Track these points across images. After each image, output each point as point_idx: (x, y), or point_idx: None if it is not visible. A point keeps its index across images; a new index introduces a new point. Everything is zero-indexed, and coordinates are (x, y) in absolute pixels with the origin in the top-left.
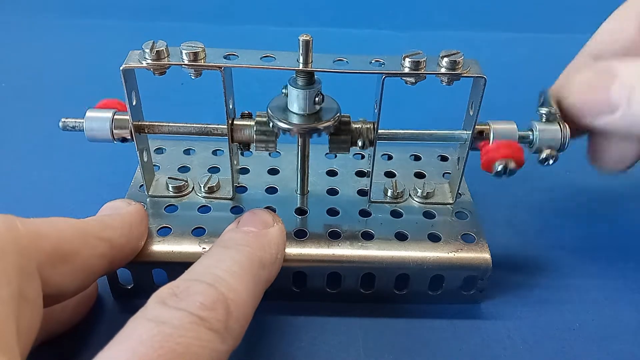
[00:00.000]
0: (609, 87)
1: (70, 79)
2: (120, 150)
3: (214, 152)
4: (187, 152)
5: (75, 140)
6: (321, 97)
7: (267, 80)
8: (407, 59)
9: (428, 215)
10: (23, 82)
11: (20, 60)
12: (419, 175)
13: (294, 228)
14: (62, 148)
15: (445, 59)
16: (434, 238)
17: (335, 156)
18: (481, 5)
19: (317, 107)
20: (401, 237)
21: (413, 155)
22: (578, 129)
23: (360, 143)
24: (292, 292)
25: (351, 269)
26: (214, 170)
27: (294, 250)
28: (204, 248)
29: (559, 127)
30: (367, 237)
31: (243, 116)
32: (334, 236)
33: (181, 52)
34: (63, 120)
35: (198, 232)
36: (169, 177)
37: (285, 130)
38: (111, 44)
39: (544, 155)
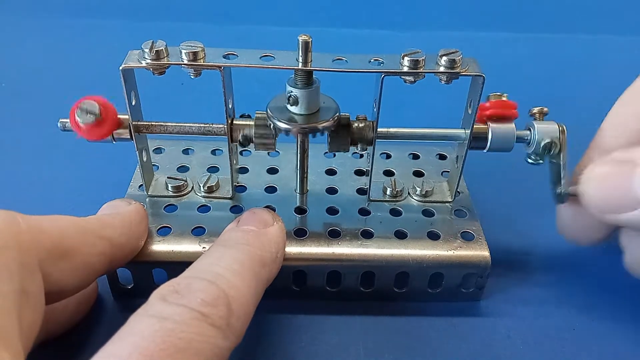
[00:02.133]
0: (630, 179)
1: (70, 79)
2: (120, 150)
3: (213, 152)
4: (185, 151)
5: (75, 140)
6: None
7: (267, 80)
8: (406, 58)
9: (427, 213)
10: (23, 82)
11: (20, 60)
12: (418, 174)
13: (293, 227)
14: (62, 148)
15: (444, 58)
16: (433, 236)
17: (334, 155)
18: (481, 5)
19: (290, 107)
20: (400, 235)
21: (412, 153)
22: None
23: (359, 148)
24: (292, 291)
25: (351, 268)
26: (213, 169)
27: (293, 249)
28: (204, 247)
29: (556, 126)
30: (367, 235)
31: (242, 116)
32: (334, 235)
33: (180, 52)
34: (62, 120)
35: (198, 232)
36: (168, 177)
37: (284, 130)
38: (111, 44)
39: (530, 160)
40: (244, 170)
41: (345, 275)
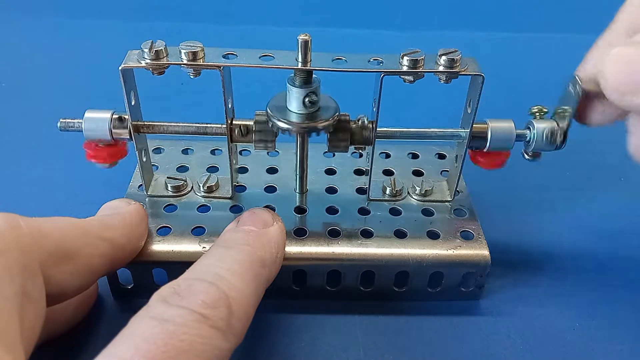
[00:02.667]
0: None
1: (70, 79)
2: None
3: (212, 152)
4: (185, 151)
5: (75, 140)
6: (314, 97)
7: (267, 80)
8: (406, 58)
9: (427, 212)
10: (23, 82)
11: (20, 60)
12: (417, 173)
13: (293, 227)
14: (62, 148)
15: (443, 57)
16: (433, 235)
17: (334, 155)
18: (481, 5)
19: (308, 109)
20: (400, 234)
21: (411, 153)
22: (617, 110)
23: (358, 148)
24: (292, 291)
25: (351, 267)
26: (212, 169)
27: (293, 248)
28: (204, 247)
29: (556, 125)
30: (367, 234)
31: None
32: (334, 234)
33: (180, 52)
34: (62, 120)
35: (198, 232)
36: (167, 177)
37: (284, 130)
38: (111, 44)
39: (527, 157)
40: (243, 170)
41: (345, 275)
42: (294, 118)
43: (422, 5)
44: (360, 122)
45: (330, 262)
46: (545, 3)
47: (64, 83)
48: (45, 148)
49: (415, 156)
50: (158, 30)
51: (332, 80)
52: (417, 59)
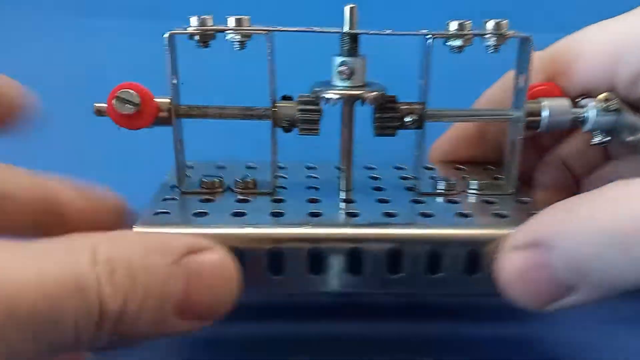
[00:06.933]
0: (551, 270)
1: (70, 79)
2: (122, 150)
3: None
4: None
5: (76, 141)
6: (346, 68)
7: (300, 74)
8: (452, 23)
9: (487, 203)
10: (23, 82)
11: (20, 60)
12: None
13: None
14: (62, 148)
15: (490, 22)
16: (500, 216)
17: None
18: (481, 5)
19: (343, 77)
20: (463, 216)
21: None
22: None
23: (409, 119)
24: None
25: (413, 247)
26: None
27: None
28: None
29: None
30: (427, 216)
31: (285, 98)
32: (389, 217)
33: (226, 20)
34: (96, 105)
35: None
36: (203, 175)
37: (331, 100)
38: (111, 44)
39: (596, 140)
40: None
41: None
42: (339, 90)
43: (422, 5)
44: (408, 104)
45: (389, 244)
46: (545, 3)
47: (64, 83)
48: (46, 148)
49: None
50: (158, 30)
51: (373, 70)
52: (464, 22)
